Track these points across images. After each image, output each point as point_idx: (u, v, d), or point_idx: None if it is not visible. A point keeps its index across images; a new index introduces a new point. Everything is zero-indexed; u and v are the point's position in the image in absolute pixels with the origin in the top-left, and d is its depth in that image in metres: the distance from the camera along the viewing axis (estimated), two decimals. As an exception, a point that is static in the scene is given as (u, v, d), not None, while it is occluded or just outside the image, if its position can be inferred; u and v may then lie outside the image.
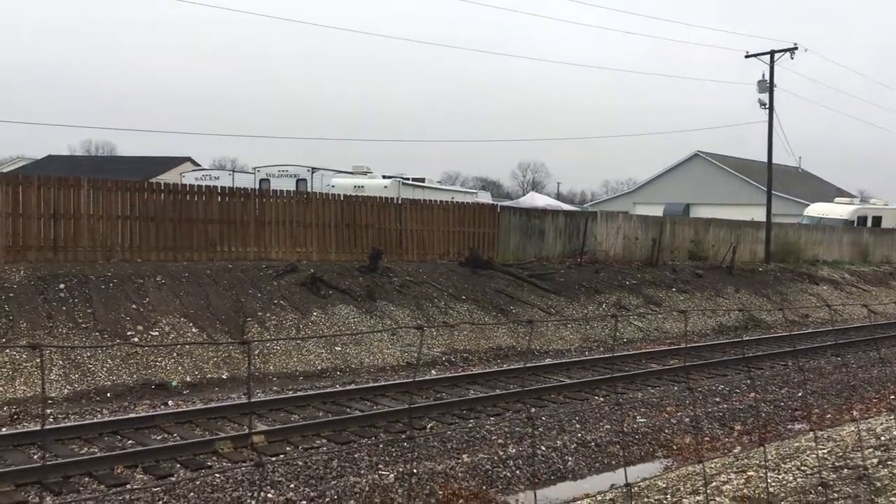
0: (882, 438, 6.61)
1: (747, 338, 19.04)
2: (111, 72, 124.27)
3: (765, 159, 30.57)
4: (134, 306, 13.49)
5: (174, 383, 11.84)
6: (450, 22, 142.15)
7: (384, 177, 28.14)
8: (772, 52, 29.33)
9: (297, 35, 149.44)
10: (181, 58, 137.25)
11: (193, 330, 13.51)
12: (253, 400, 10.98)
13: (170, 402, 10.97)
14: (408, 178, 27.97)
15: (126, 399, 11.07)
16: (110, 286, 13.79)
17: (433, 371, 13.95)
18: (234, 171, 33.63)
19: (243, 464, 8.18)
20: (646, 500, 5.74)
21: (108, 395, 11.17)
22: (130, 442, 8.99)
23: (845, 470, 5.35)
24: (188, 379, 12.07)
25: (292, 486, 7.70)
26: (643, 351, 16.38)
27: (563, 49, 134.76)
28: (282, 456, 8.59)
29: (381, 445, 9.08)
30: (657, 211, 45.18)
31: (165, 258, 16.10)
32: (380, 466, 8.39)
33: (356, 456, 8.63)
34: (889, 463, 5.36)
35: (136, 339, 12.63)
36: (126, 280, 14.12)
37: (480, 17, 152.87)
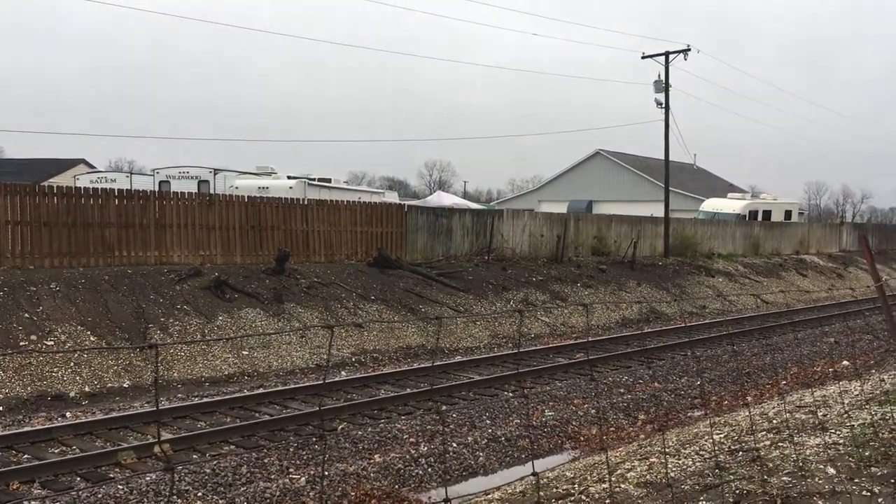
0: (774, 422, 6.96)
1: (648, 330, 19.68)
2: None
3: (663, 157, 31.64)
4: (26, 315, 12.89)
5: (72, 394, 11.37)
6: (358, 22, 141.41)
7: (289, 177, 27.79)
8: (666, 54, 30.38)
9: (196, 33, 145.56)
10: (69, 55, 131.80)
11: (92, 338, 13.01)
12: (157, 408, 10.65)
13: (68, 414, 10.53)
14: (314, 179, 27.71)
15: (20, 412, 10.56)
16: (0, 294, 13.14)
17: (343, 372, 13.86)
18: (131, 174, 32.55)
19: (149, 473, 7.94)
20: (554, 490, 5.87)
21: (1, 408, 10.64)
22: (26, 456, 8.59)
23: (740, 453, 5.60)
24: (87, 389, 11.61)
25: (200, 494, 7.52)
26: (550, 346, 16.70)
27: (470, 49, 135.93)
28: (189, 464, 8.38)
29: (291, 449, 8.97)
30: (562, 208, 46.18)
31: (60, 264, 15.45)
32: (290, 470, 8.30)
33: (266, 461, 8.51)
34: (780, 444, 5.65)
35: (29, 350, 12.07)
36: (17, 288, 13.48)
37: (386, 17, 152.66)
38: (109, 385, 11.90)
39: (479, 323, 18.06)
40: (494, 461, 9.22)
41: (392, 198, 32.26)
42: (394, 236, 21.67)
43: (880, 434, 5.51)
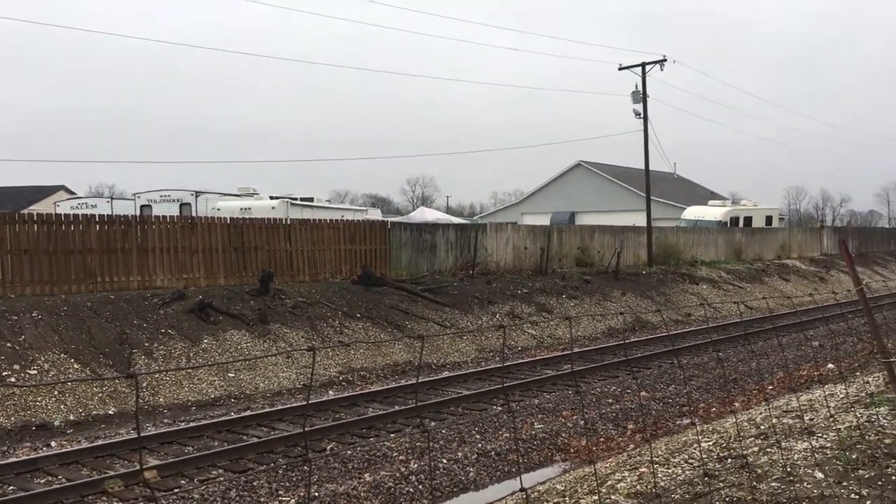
0: (761, 427, 6.99)
1: (634, 339, 19.74)
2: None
3: (643, 167, 31.85)
4: (8, 345, 12.75)
5: (57, 423, 11.24)
6: (335, 40, 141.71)
7: (272, 197, 27.71)
8: (643, 64, 30.66)
9: (169, 57, 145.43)
10: (48, 83, 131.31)
11: (75, 366, 12.89)
12: (143, 434, 10.55)
13: (53, 443, 10.40)
14: (296, 198, 27.65)
15: (4, 443, 10.43)
16: (-19, 325, 12.99)
17: (331, 392, 13.79)
18: (112, 199, 32.39)
19: (137, 501, 7.85)
20: (546, 503, 5.86)
21: (-16, 440, 10.50)
22: (12, 487, 8.48)
23: (729, 460, 5.62)
24: (72, 417, 11.49)
25: (189, 520, 7.45)
26: (538, 358, 16.71)
27: (450, 65, 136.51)
28: (176, 490, 8.30)
29: (280, 471, 8.91)
30: (544, 220, 46.35)
31: (42, 292, 15.32)
32: (280, 493, 8.24)
33: (255, 484, 8.44)
34: (768, 450, 5.67)
35: (12, 380, 11.94)
36: (-1, 317, 13.34)
37: (367, 36, 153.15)
38: (94, 412, 11.78)
39: (465, 338, 18.05)
40: (485, 476, 9.18)
41: (375, 215, 32.24)
42: (378, 253, 21.64)
43: (866, 436, 5.54)
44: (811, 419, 6.76)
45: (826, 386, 9.90)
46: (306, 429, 10.78)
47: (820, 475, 4.86)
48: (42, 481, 8.71)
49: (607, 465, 7.22)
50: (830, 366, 14.57)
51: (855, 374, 11.99)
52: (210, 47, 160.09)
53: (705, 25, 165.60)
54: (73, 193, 50.40)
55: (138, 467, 8.88)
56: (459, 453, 9.70)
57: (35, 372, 12.38)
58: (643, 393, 13.14)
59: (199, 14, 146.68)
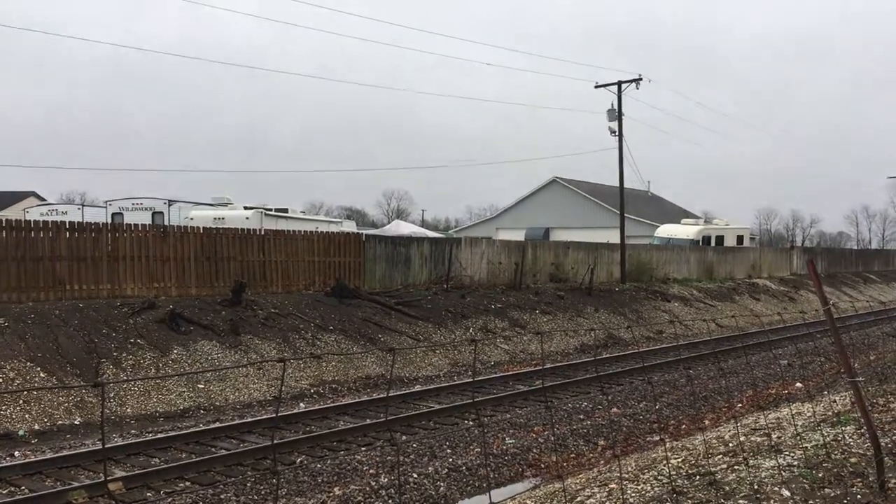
0: (730, 445, 7.04)
1: (607, 355, 19.82)
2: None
3: (618, 184, 32.10)
4: (-27, 352, 12.52)
5: (21, 432, 11.04)
6: (312, 52, 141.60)
7: (246, 207, 27.54)
8: (619, 83, 30.95)
9: (145, 64, 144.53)
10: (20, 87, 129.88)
11: (41, 374, 12.68)
12: (110, 445, 10.40)
13: (16, 453, 10.22)
14: (270, 209, 27.51)
15: (-35, 453, 10.23)
16: (-55, 331, 12.76)
17: (302, 404, 13.69)
18: (83, 206, 32.02)
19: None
20: (515, 519, 5.85)
21: (-55, 449, 10.28)
22: (-29, 499, 8.31)
23: (697, 477, 5.65)
24: (37, 427, 11.29)
25: (154, 533, 7.34)
26: (510, 373, 16.72)
27: (429, 79, 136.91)
28: (142, 502, 8.18)
29: (248, 484, 8.81)
30: (519, 236, 46.49)
31: (9, 300, 15.07)
32: (248, 506, 8.14)
33: (222, 497, 8.34)
34: (736, 467, 5.71)
35: (-24, 388, 11.72)
36: (-36, 324, 13.11)
37: (341, 48, 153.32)
38: (60, 422, 11.59)
39: (438, 351, 18.02)
40: (455, 491, 9.14)
41: (350, 227, 32.17)
42: (352, 266, 21.58)
43: (832, 455, 5.60)
44: (779, 437, 6.82)
45: (794, 405, 10.00)
46: (275, 441, 10.69)
47: (787, 493, 4.90)
48: (5, 492, 8.55)
49: (578, 481, 7.23)
50: (798, 385, 14.72)
51: (823, 392, 12.12)
52: (194, 57, 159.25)
53: (683, 47, 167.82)
54: (44, 199, 49.81)
55: (103, 478, 8.75)
56: (430, 468, 9.66)
57: (0, 380, 12.16)
58: (614, 409, 13.19)
59: (180, 21, 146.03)
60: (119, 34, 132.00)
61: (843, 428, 6.55)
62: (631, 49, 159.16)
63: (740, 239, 43.64)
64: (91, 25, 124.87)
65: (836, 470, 5.28)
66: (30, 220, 16.41)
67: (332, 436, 10.94)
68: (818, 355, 18.46)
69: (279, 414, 12.40)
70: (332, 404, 13.34)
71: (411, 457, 10.14)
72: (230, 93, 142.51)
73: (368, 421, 11.94)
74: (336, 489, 8.71)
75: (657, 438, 11.18)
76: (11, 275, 15.28)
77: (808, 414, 8.07)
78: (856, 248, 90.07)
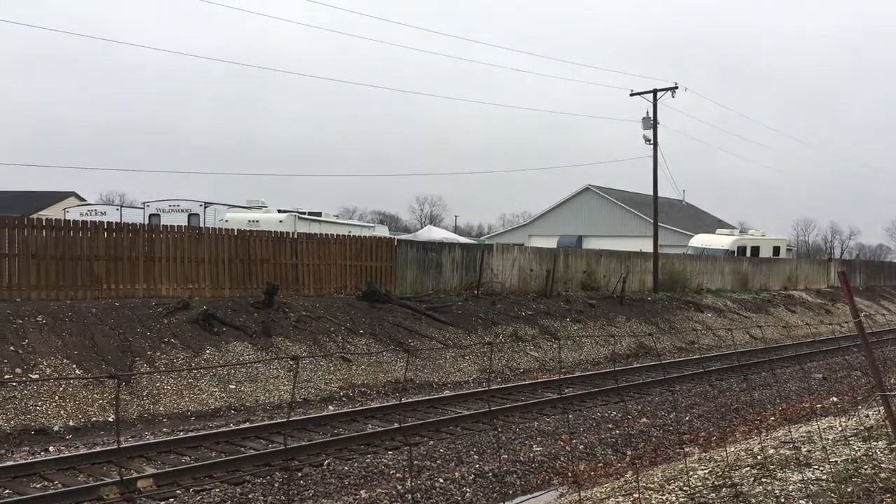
0: (758, 458, 6.96)
1: (638, 365, 19.68)
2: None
3: (651, 192, 31.88)
4: (12, 348, 12.80)
5: (56, 428, 11.27)
6: (352, 58, 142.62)
7: (280, 211, 27.85)
8: (654, 91, 30.76)
9: (191, 72, 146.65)
10: (66, 90, 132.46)
11: (77, 371, 12.93)
12: (141, 442, 10.57)
13: (51, 448, 10.43)
14: (304, 213, 27.78)
15: (2, 446, 10.46)
16: (-14, 327, 13.06)
17: (330, 406, 13.79)
18: (122, 207, 32.59)
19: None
20: (539, 526, 5.85)
21: (-17, 443, 10.53)
22: (7, 491, 8.50)
23: (724, 489, 5.61)
24: (71, 423, 11.52)
25: (183, 530, 7.44)
26: (539, 380, 16.67)
27: (464, 86, 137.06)
28: (172, 500, 8.31)
29: (276, 485, 8.90)
30: (551, 243, 46.32)
31: (48, 297, 15.40)
32: (275, 506, 8.22)
33: (250, 497, 8.44)
34: (763, 480, 5.66)
35: (13, 383, 11.98)
36: (3, 320, 13.41)
37: (384, 55, 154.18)
38: (94, 419, 11.80)
39: (467, 357, 18.03)
40: (482, 497, 9.15)
41: (382, 232, 32.34)
42: (383, 270, 21.68)
43: (862, 470, 5.53)
44: (809, 451, 6.74)
45: (826, 418, 9.86)
46: (302, 444, 10.77)
47: (814, 507, 4.85)
48: (38, 486, 8.73)
49: (602, 491, 7.20)
50: (833, 399, 14.49)
51: (857, 407, 11.92)
52: (231, 61, 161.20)
53: (721, 56, 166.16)
54: (84, 200, 50.72)
55: (136, 475, 8.89)
56: (457, 473, 9.67)
57: (37, 376, 12.42)
58: (643, 419, 13.09)
59: (220, 28, 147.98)
60: (165, 41, 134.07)
61: (875, 443, 6.45)
62: (667, 58, 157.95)
63: (776, 250, 43.05)
64: (142, 31, 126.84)
65: (865, 485, 5.20)
66: (69, 220, 16.75)
67: (360, 439, 11.00)
68: (854, 369, 18.16)
69: (307, 416, 12.50)
70: (360, 407, 13.42)
71: (438, 461, 10.17)
72: (271, 99, 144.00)
73: (396, 425, 11.99)
74: (363, 492, 8.76)
75: (686, 449, 11.09)
76: (51, 273, 15.60)
77: (840, 428, 7.96)
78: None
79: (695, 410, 14.02)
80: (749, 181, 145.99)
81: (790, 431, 8.28)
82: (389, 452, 10.49)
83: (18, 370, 12.39)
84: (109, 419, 11.90)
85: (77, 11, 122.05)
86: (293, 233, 20.61)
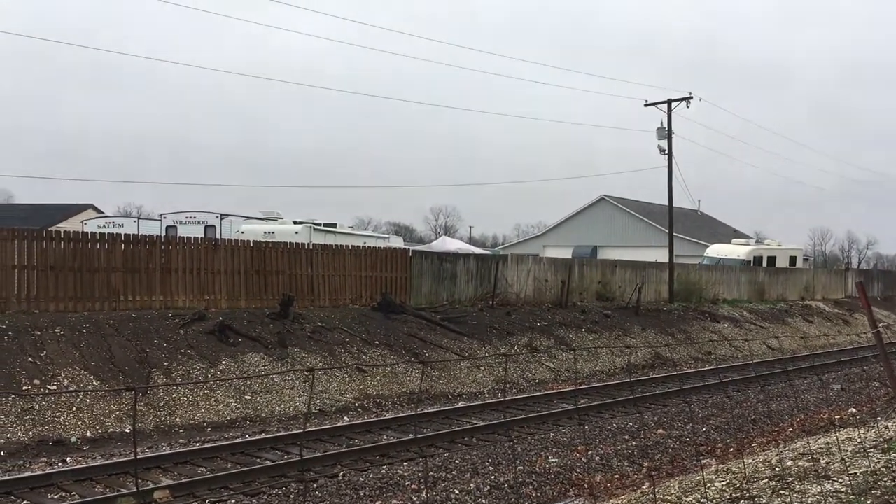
0: (776, 469, 6.91)
1: (654, 375, 19.58)
2: (7, 115, 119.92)
3: (666, 203, 31.78)
4: (30, 359, 12.91)
5: (73, 439, 11.35)
6: (367, 69, 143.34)
7: (295, 222, 27.96)
8: (669, 101, 30.72)
9: (197, 80, 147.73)
10: (85, 102, 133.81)
11: (94, 383, 13.01)
12: (158, 453, 10.62)
13: (68, 459, 10.50)
14: (319, 224, 27.88)
15: (21, 457, 10.54)
16: (5, 339, 13.17)
17: (346, 417, 13.80)
18: (139, 219, 32.85)
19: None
20: (555, 538, 5.82)
21: (1, 453, 10.61)
22: (25, 502, 8.56)
23: (741, 501, 5.57)
24: (89, 434, 11.59)
25: (199, 541, 7.46)
26: (555, 391, 16.62)
27: (477, 96, 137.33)
28: (188, 511, 8.33)
29: (291, 496, 8.91)
30: (566, 253, 46.23)
31: (65, 309, 15.52)
32: (290, 517, 8.23)
33: (266, 507, 8.45)
34: (781, 492, 5.61)
35: (32, 395, 12.07)
36: (22, 332, 13.53)
37: (392, 65, 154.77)
38: (111, 430, 11.87)
39: (483, 368, 18.01)
40: (497, 509, 9.11)
41: (397, 243, 32.40)
42: (398, 281, 21.72)
43: (881, 482, 5.48)
44: (827, 462, 6.68)
45: (846, 430, 9.77)
46: (317, 455, 10.78)
47: (833, 519, 4.81)
48: (56, 497, 8.79)
49: (619, 502, 7.16)
50: (852, 410, 14.35)
51: (876, 418, 11.81)
52: (245, 74, 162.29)
53: (738, 67, 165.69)
54: (101, 212, 51.14)
55: (151, 486, 8.93)
56: (472, 484, 9.64)
57: (55, 387, 12.52)
58: (660, 430, 13.01)
59: (238, 39, 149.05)
60: (189, 54, 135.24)
61: (894, 455, 6.38)
62: (682, 68, 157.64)
63: (793, 260, 42.75)
64: (166, 47, 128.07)
65: (885, 497, 5.15)
66: (87, 232, 16.90)
67: (375, 450, 11.00)
68: (872, 380, 17.98)
69: (323, 427, 12.51)
70: (375, 418, 13.42)
71: (453, 473, 10.14)
72: (285, 113, 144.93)
73: (411, 436, 11.98)
74: (378, 503, 8.76)
75: (704, 461, 11.01)
76: (69, 285, 15.73)
77: (858, 440, 7.89)
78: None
79: (712, 421, 13.92)
80: (765, 190, 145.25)
81: (808, 443, 8.21)
82: (405, 464, 10.48)
83: (37, 381, 12.49)
84: (126, 430, 11.96)
85: (84, 23, 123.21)
86: (308, 244, 20.69)
